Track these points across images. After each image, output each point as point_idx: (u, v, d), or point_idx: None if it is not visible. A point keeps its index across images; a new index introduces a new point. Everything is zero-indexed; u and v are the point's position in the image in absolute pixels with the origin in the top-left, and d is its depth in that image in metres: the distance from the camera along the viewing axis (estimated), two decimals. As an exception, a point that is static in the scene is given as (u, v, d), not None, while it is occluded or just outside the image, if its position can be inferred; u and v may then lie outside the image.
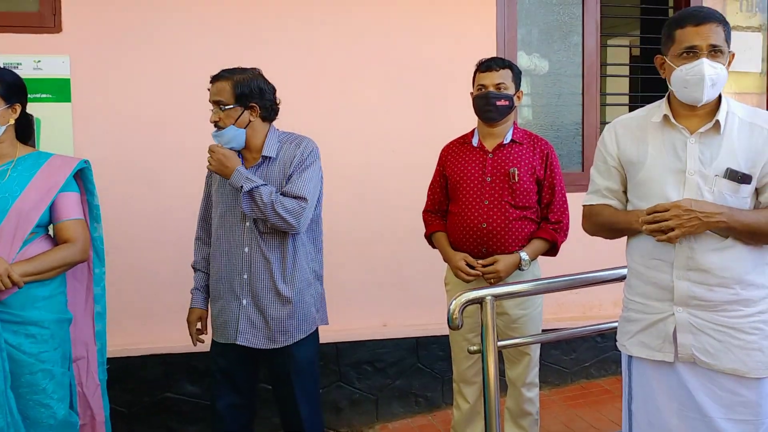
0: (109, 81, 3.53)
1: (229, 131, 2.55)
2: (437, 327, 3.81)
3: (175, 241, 3.40)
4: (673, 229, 1.91)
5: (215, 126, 2.57)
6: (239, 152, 2.62)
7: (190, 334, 2.76)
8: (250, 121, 2.58)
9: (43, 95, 3.44)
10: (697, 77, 1.96)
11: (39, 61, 3.45)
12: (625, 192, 2.20)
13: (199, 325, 2.77)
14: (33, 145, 2.63)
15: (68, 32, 3.48)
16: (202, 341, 2.79)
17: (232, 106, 2.54)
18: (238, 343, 2.61)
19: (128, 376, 3.55)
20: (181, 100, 3.58)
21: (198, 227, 2.81)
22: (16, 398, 2.33)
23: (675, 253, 2.01)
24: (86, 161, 2.57)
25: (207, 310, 2.78)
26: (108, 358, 2.73)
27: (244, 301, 2.61)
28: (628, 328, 2.16)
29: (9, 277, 2.24)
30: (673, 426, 2.06)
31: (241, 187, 2.49)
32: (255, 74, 2.60)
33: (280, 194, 2.53)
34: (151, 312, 3.62)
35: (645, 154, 2.09)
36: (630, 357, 2.17)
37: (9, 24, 3.43)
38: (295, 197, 2.53)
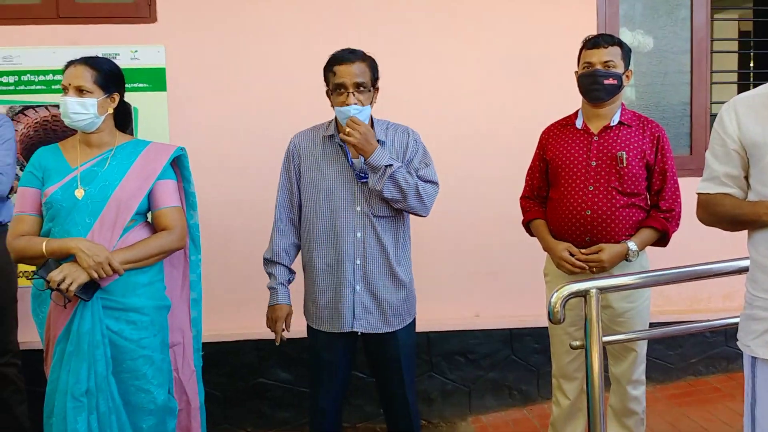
0: (203, 70, 3.58)
1: (368, 110, 2.53)
2: (532, 318, 3.69)
3: (266, 229, 3.38)
4: None
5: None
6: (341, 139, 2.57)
7: (275, 332, 2.66)
8: (373, 104, 2.58)
9: (140, 84, 3.52)
10: None
11: (136, 51, 3.52)
12: (746, 178, 2.00)
13: (285, 323, 2.69)
14: (131, 134, 2.67)
15: (163, 22, 3.55)
16: (285, 341, 2.70)
17: (371, 90, 2.54)
18: (354, 330, 2.58)
19: (223, 361, 3.61)
20: (274, 88, 3.59)
21: (277, 218, 2.70)
22: (117, 383, 2.38)
23: None
24: (182, 148, 2.58)
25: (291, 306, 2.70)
26: (203, 344, 2.76)
27: (358, 287, 2.58)
28: (753, 327, 1.96)
29: (110, 264, 2.27)
30: None
31: (387, 166, 2.47)
32: (374, 58, 2.60)
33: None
34: (245, 298, 3.64)
35: None
36: (754, 359, 1.97)
37: (107, 15, 3.53)
38: (428, 182, 2.58)
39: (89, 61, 2.43)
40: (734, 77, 4.46)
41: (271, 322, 2.67)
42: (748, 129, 1.93)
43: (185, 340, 2.65)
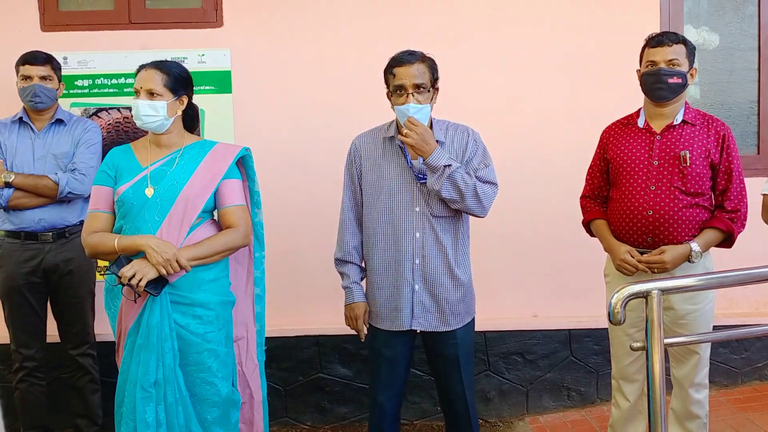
0: (267, 72, 3.67)
1: (427, 109, 2.56)
2: (591, 319, 3.66)
3: (327, 228, 3.45)
4: None
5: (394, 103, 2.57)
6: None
7: (358, 330, 2.69)
8: (433, 104, 2.61)
9: (207, 87, 3.63)
10: None
11: (203, 55, 3.63)
12: None
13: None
14: (198, 134, 2.76)
15: (229, 26, 3.66)
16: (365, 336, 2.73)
17: (431, 90, 2.57)
18: (413, 328, 2.62)
19: (284, 356, 3.69)
20: (336, 89, 3.66)
21: (345, 217, 2.73)
22: (183, 375, 2.46)
23: None
24: (247, 149, 2.66)
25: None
26: (265, 338, 2.83)
27: (417, 287, 2.61)
28: None
29: (177, 261, 2.36)
30: None
31: (445, 166, 2.49)
32: (434, 59, 2.62)
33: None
34: (305, 295, 3.73)
35: None
36: None
37: (175, 20, 3.66)
38: (487, 182, 2.59)
39: (159, 65, 2.53)
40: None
41: (352, 320, 2.70)
42: None
43: (249, 335, 2.72)
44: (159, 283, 2.38)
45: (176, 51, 3.54)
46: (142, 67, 2.55)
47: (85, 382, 3.34)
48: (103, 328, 3.29)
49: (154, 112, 2.48)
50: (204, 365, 2.49)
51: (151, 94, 2.48)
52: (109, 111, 3.65)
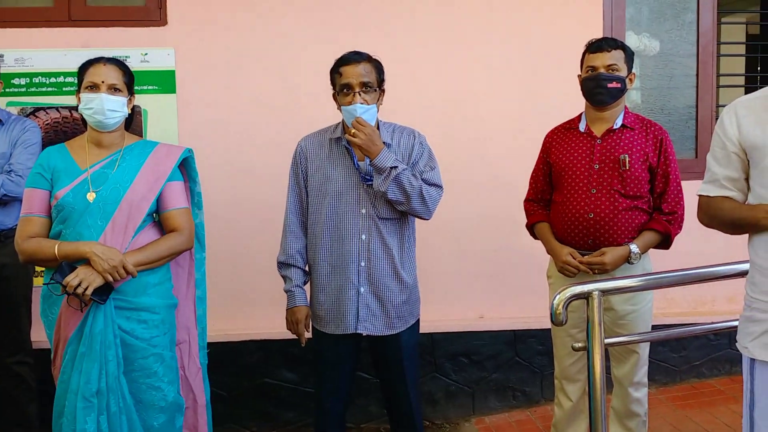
0: (212, 72, 3.62)
1: (374, 109, 2.56)
2: (536, 320, 3.70)
3: (272, 230, 3.41)
4: None
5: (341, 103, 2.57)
6: (347, 142, 2.59)
7: (299, 335, 2.67)
8: (379, 105, 2.61)
9: (150, 87, 3.56)
10: None
11: (146, 54, 3.56)
12: (747, 180, 2.00)
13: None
14: (137, 134, 2.69)
15: (173, 25, 3.59)
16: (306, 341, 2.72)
17: (377, 90, 2.57)
18: (358, 332, 2.61)
19: (228, 361, 3.63)
20: (281, 90, 3.63)
21: (289, 221, 2.70)
22: (129, 382, 2.40)
23: None
24: (190, 150, 2.61)
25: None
26: (209, 342, 2.78)
27: (362, 289, 2.60)
28: (751, 328, 1.96)
29: (124, 267, 2.30)
30: None
31: (391, 168, 2.49)
32: (377, 59, 2.63)
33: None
34: (250, 298, 3.68)
35: None
36: (753, 361, 1.97)
37: (118, 18, 3.58)
38: (432, 185, 2.61)
39: (117, 62, 2.48)
40: (741, 80, 4.46)
41: (293, 324, 2.68)
42: (749, 131, 1.93)
43: (191, 338, 2.67)
44: (104, 290, 2.31)
45: (118, 50, 3.44)
46: (96, 61, 2.46)
47: (21, 391, 3.22)
48: (40, 335, 3.18)
49: (119, 108, 2.42)
50: (150, 370, 2.44)
51: (114, 90, 2.42)
52: (48, 111, 3.55)
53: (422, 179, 2.58)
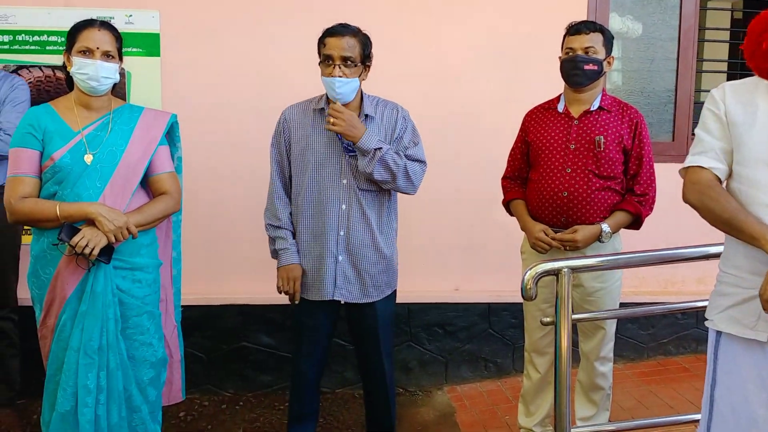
0: (198, 36, 3.60)
1: (354, 82, 2.57)
2: (510, 294, 3.73)
3: (254, 197, 3.45)
4: None
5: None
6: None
7: (295, 291, 2.68)
8: (362, 79, 2.62)
9: (134, 49, 3.54)
10: None
11: (130, 16, 3.54)
12: None
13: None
14: (120, 96, 2.70)
15: (159, -13, 3.56)
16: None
17: (358, 65, 2.57)
18: (335, 299, 2.67)
19: (207, 324, 3.69)
20: (269, 57, 3.63)
21: (275, 186, 2.74)
22: (124, 339, 2.48)
23: None
24: (175, 116, 2.65)
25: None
26: (190, 306, 2.85)
27: (340, 258, 2.66)
28: (719, 302, 1.96)
29: (127, 228, 2.35)
30: (759, 417, 1.88)
31: (376, 149, 2.53)
32: (368, 35, 2.64)
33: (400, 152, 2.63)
34: (230, 264, 3.72)
35: (754, 116, 1.87)
36: (718, 337, 1.98)
37: (103, -22, 3.53)
38: (416, 161, 2.66)
39: (110, 27, 2.47)
40: (724, 66, 4.51)
41: (287, 281, 2.68)
42: (734, 109, 1.92)
43: (168, 297, 2.74)
44: (107, 250, 2.36)
45: (102, 10, 3.42)
46: (89, 24, 2.43)
47: (4, 346, 3.27)
48: (27, 293, 3.22)
49: (112, 74, 2.44)
50: (144, 327, 2.52)
51: (108, 56, 2.42)
52: (30, 69, 3.53)
53: (406, 155, 2.63)
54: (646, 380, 3.79)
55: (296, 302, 2.72)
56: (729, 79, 5.82)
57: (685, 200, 1.97)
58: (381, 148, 2.54)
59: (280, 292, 2.74)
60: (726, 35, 4.68)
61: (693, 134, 4.09)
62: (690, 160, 1.96)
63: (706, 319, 2.03)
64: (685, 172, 1.99)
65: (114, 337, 2.43)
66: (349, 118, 2.52)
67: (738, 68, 4.34)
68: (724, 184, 1.96)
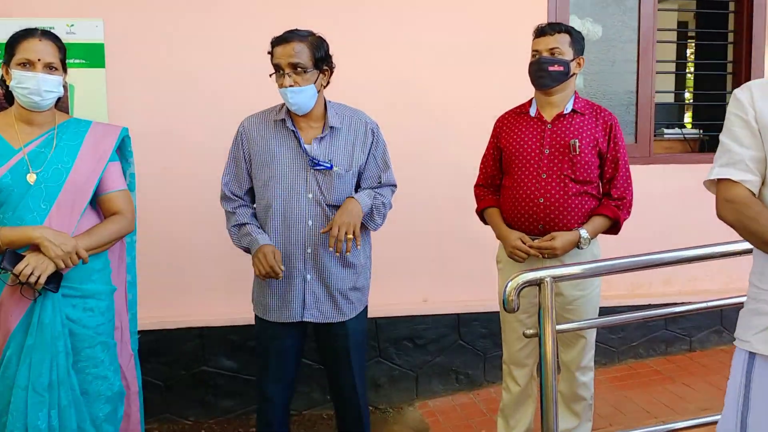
0: (145, 46, 3.43)
1: (310, 89, 2.42)
2: (480, 304, 3.71)
3: (209, 213, 3.29)
4: None
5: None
6: (293, 124, 2.49)
7: (271, 266, 2.37)
8: (321, 86, 2.49)
9: (76, 60, 3.34)
10: None
11: (72, 25, 3.34)
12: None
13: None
14: (63, 110, 2.53)
15: (102, -6, 3.36)
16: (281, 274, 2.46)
17: (310, 70, 2.41)
18: (305, 320, 2.53)
19: (165, 349, 3.51)
20: (220, 67, 3.48)
21: (229, 191, 2.57)
22: (76, 373, 2.30)
23: None
24: (126, 129, 2.49)
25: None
26: (145, 330, 2.70)
27: (308, 276, 2.52)
28: (755, 322, 1.79)
29: (76, 253, 2.20)
30: None
31: (372, 205, 2.57)
32: (322, 38, 2.49)
33: (375, 184, 2.61)
34: (188, 284, 3.55)
35: None
36: (752, 359, 1.81)
37: (42, -15, 3.32)
38: (389, 185, 2.66)
39: (52, 37, 2.32)
40: (673, 67, 4.55)
41: (264, 258, 2.39)
42: (763, 111, 1.77)
43: (123, 324, 2.58)
44: (54, 277, 2.19)
45: (42, 20, 3.19)
46: (29, 34, 2.27)
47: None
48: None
49: (55, 87, 2.27)
50: (97, 359, 2.36)
51: (51, 68, 2.26)
52: (-38, 83, 3.27)
53: (380, 182, 2.59)
54: (620, 385, 3.76)
55: (280, 277, 2.43)
56: (677, 80, 5.95)
57: (720, 217, 1.82)
58: (375, 199, 2.58)
59: (263, 279, 2.46)
60: (676, 36, 4.72)
61: (655, 136, 4.10)
62: (717, 172, 1.81)
63: (736, 339, 1.86)
64: (715, 186, 1.83)
65: (65, 371, 2.25)
66: (347, 221, 2.42)
67: (685, 68, 4.38)
68: (757, 192, 1.80)
